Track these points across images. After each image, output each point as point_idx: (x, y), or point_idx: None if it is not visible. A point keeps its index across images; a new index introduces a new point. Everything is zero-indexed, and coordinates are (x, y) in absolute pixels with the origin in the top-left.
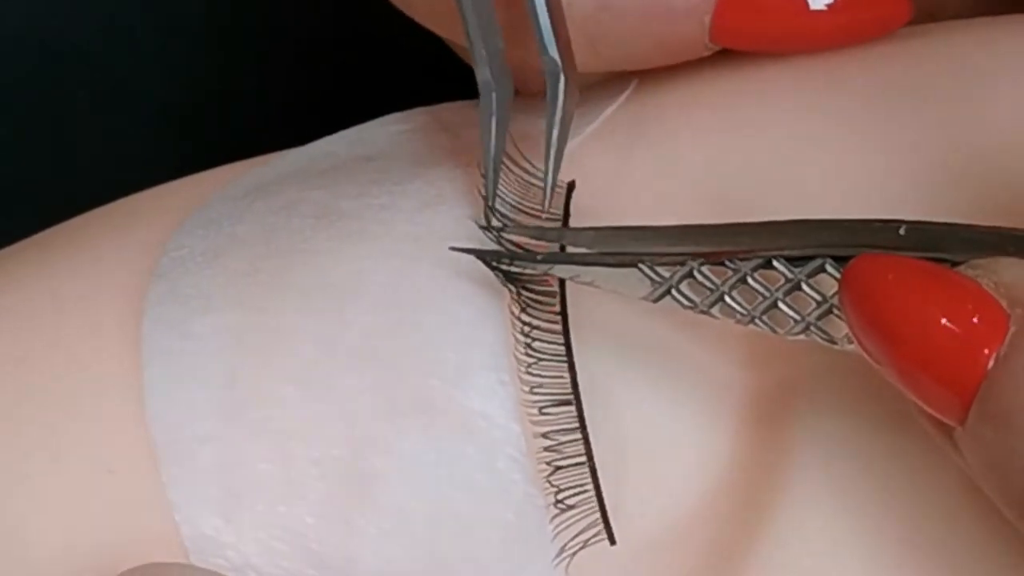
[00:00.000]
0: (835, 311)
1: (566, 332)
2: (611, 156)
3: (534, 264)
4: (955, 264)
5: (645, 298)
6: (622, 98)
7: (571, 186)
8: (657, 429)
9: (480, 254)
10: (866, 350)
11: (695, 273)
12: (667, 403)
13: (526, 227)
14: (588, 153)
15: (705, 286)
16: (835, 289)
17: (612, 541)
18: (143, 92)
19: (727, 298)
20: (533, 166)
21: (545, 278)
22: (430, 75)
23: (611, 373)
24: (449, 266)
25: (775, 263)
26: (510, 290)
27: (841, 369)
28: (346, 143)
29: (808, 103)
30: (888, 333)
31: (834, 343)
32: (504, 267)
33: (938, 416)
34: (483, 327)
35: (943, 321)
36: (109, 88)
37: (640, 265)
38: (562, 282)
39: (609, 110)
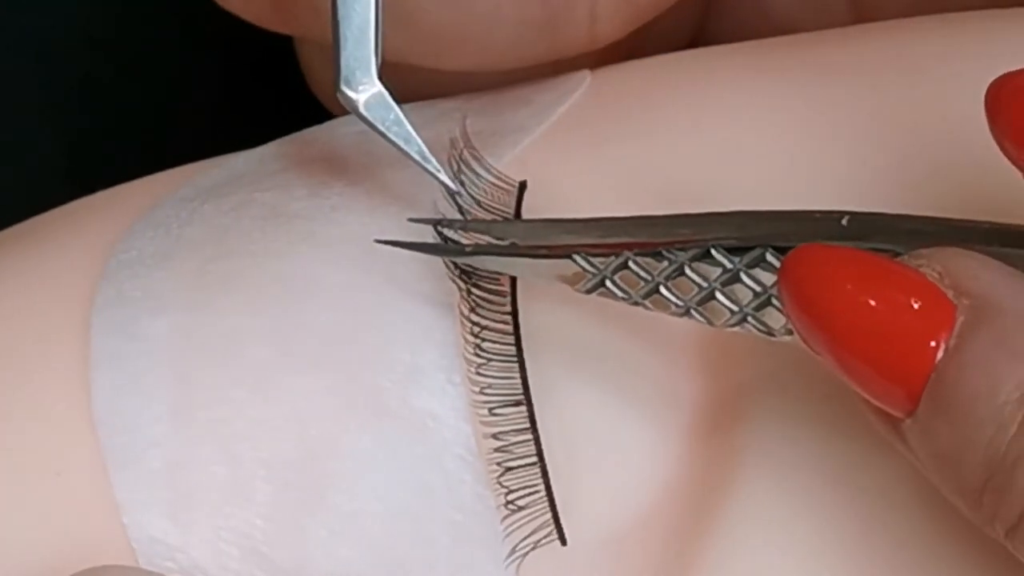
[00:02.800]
0: (774, 302)
1: (517, 332)
2: (563, 155)
3: (463, 256)
4: (898, 255)
5: (578, 289)
6: (574, 97)
7: (523, 186)
8: (608, 430)
9: (407, 245)
10: (807, 342)
11: (630, 264)
12: (618, 404)
13: (456, 220)
14: (540, 152)
15: (640, 276)
16: (774, 280)
17: (563, 541)
18: (103, 92)
19: (662, 288)
20: (492, 166)
21: (496, 276)
22: None
23: (562, 374)
24: (401, 267)
25: (714, 252)
26: (459, 287)
27: (790, 373)
28: (298, 144)
29: (758, 97)
30: (828, 325)
31: (771, 335)
32: (446, 260)
33: (885, 408)
34: (435, 328)
35: (886, 312)
36: (68, 87)
37: (574, 256)
38: (513, 281)
39: (561, 109)
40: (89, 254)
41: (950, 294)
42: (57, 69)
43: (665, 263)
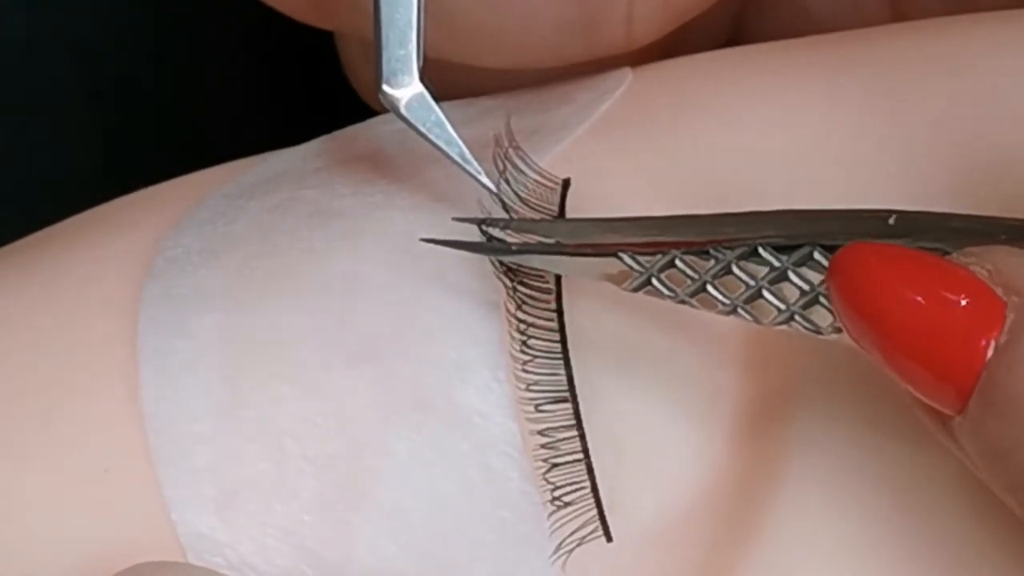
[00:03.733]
0: (822, 300)
1: (562, 329)
2: (606, 153)
3: (509, 255)
4: (947, 254)
5: (624, 288)
6: (616, 95)
7: (566, 183)
8: (653, 427)
9: (452, 244)
10: (857, 341)
11: (676, 262)
12: (663, 401)
13: (501, 220)
14: (583, 150)
15: (687, 275)
16: (822, 278)
17: (608, 538)
18: (142, 91)
19: (709, 287)
20: (536, 164)
21: (541, 274)
22: None
23: (607, 371)
24: (446, 264)
25: (761, 251)
26: (505, 285)
27: (835, 373)
28: (340, 142)
29: (805, 94)
30: (879, 323)
31: (819, 332)
32: (489, 257)
33: (935, 406)
34: (480, 325)
35: (936, 310)
36: (107, 87)
37: (620, 254)
38: (558, 279)
39: (604, 107)
40: (135, 251)
41: (1000, 292)
42: (96, 69)
43: (712, 262)
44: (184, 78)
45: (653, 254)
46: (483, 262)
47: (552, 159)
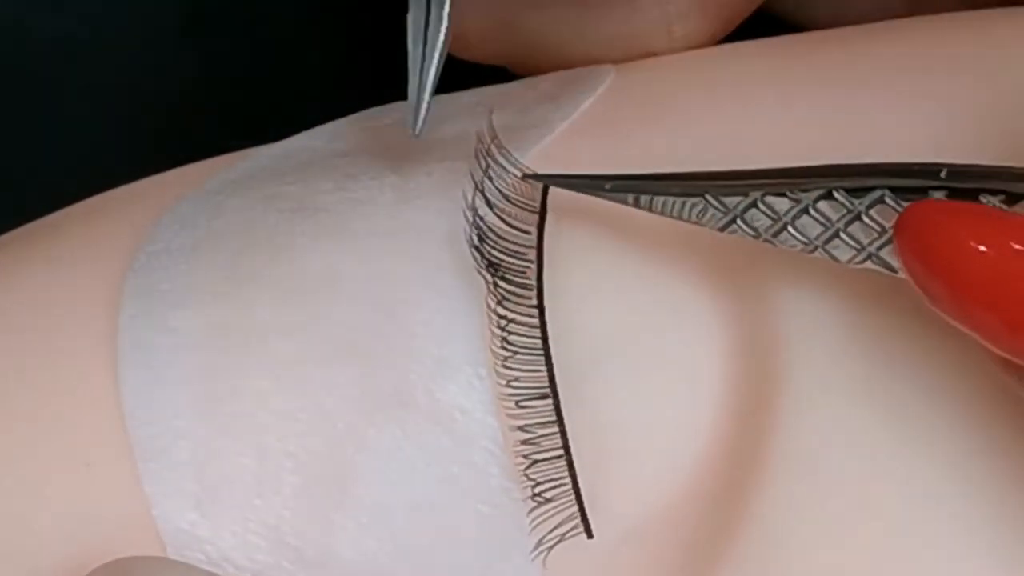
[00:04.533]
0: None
1: (543, 325)
2: (587, 150)
3: (604, 191)
4: (1011, 205)
5: (711, 227)
6: (598, 92)
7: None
8: (635, 422)
9: (549, 179)
10: (929, 297)
11: (758, 204)
12: (645, 396)
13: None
14: (565, 147)
15: (768, 216)
16: (894, 220)
17: (589, 534)
18: (129, 86)
19: (789, 227)
20: (518, 160)
21: (523, 270)
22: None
23: (588, 366)
24: (428, 260)
25: (835, 194)
26: (486, 280)
27: (820, 359)
28: (323, 138)
29: (786, 94)
30: (950, 276)
31: (895, 272)
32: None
33: (1010, 357)
34: (462, 321)
35: (1008, 261)
36: (94, 82)
37: (706, 195)
38: (539, 275)
39: (586, 104)
40: (118, 246)
41: None
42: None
43: (791, 203)
44: (173, 73)
45: (735, 195)
46: (466, 258)
47: (534, 156)
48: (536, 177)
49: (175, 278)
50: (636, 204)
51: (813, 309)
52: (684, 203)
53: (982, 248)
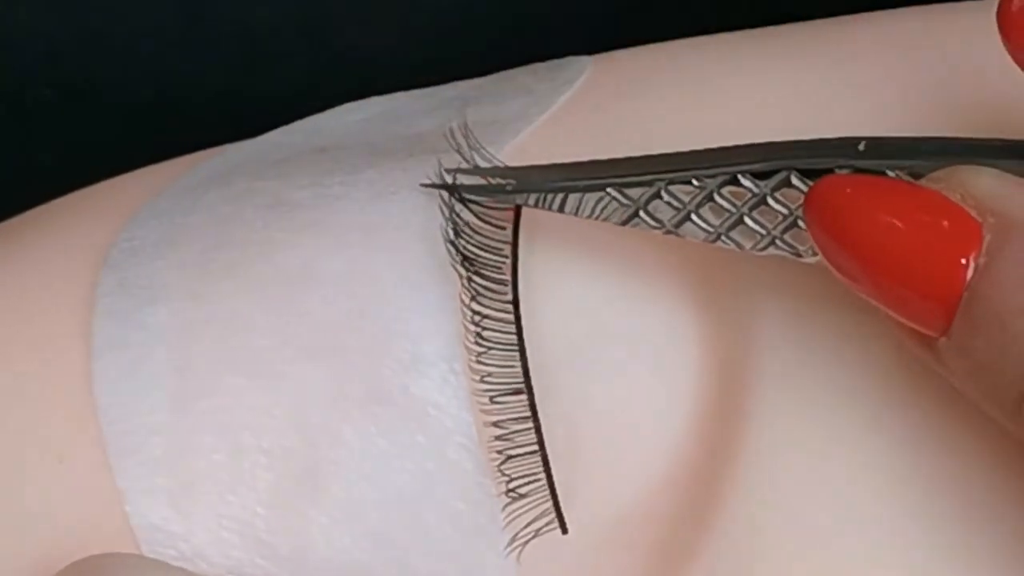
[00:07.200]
0: (800, 223)
1: (518, 321)
2: (564, 144)
3: (505, 194)
4: (918, 177)
5: (614, 222)
6: (575, 85)
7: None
8: (610, 416)
9: (451, 188)
10: (839, 270)
11: (662, 193)
12: (620, 389)
13: (487, 168)
14: (540, 141)
15: (672, 206)
16: (800, 202)
17: (564, 530)
18: (113, 88)
19: (694, 216)
20: (493, 157)
21: (498, 265)
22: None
23: (562, 362)
24: (403, 256)
25: (741, 178)
26: (460, 276)
27: (794, 342)
28: (300, 133)
29: (763, 82)
30: (860, 249)
31: (800, 256)
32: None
33: (919, 329)
34: (436, 317)
35: (915, 233)
36: (78, 84)
37: (608, 188)
38: (514, 269)
39: (563, 97)
40: (91, 243)
41: (973, 213)
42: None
43: (695, 191)
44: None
45: (639, 186)
46: (440, 253)
47: (510, 150)
48: (432, 186)
49: (149, 274)
50: (540, 205)
51: (785, 305)
52: (587, 199)
53: (892, 220)
